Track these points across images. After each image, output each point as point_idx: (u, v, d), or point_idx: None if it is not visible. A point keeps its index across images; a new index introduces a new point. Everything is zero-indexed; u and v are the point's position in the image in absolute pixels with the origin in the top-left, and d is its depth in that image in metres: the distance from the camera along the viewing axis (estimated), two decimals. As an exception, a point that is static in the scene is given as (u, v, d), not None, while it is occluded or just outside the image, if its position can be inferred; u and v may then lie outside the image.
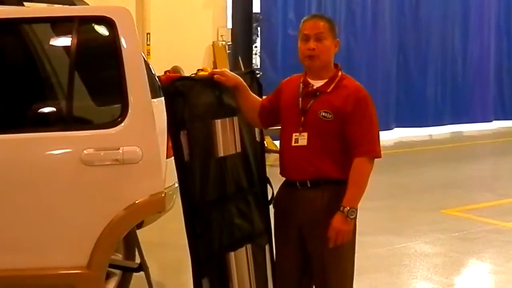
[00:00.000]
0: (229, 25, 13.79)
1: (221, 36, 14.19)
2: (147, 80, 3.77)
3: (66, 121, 3.79)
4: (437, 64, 16.10)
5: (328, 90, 3.60)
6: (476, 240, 6.92)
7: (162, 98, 3.62)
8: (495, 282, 5.90)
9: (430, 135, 15.74)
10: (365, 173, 3.54)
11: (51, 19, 3.97)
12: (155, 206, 3.82)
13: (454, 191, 9.38)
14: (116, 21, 3.75)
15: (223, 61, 13.58)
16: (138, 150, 3.68)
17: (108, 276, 4.59)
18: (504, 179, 10.37)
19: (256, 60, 13.95)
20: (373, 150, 3.57)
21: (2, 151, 3.69)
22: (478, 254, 6.49)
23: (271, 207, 3.94)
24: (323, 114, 3.55)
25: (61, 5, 4.39)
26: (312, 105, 3.58)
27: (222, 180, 3.72)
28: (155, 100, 4.07)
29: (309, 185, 3.59)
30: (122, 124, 3.69)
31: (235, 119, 3.82)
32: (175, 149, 3.51)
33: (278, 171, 3.71)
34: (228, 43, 13.83)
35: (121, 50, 3.72)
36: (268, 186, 4.02)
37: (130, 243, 4.62)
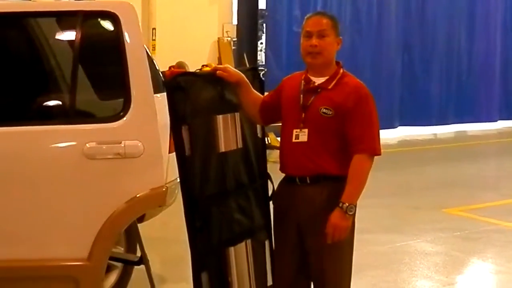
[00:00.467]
0: (235, 21, 13.82)
1: (227, 32, 14.24)
2: (149, 75, 3.80)
3: (69, 114, 3.83)
4: (442, 63, 16.11)
5: (329, 87, 3.62)
6: (477, 239, 6.93)
7: (165, 93, 3.64)
8: (496, 281, 5.91)
9: (435, 134, 15.75)
10: (365, 170, 3.56)
11: (55, 13, 4.01)
12: (156, 200, 3.86)
13: (457, 190, 9.39)
14: (119, 16, 3.78)
15: (228, 57, 13.63)
16: (139, 144, 3.72)
17: (110, 269, 4.64)
18: (508, 179, 10.35)
19: (261, 57, 13.95)
20: (372, 148, 3.59)
21: (6, 144, 3.72)
22: (479, 253, 6.50)
23: (271, 202, 3.96)
24: (324, 110, 3.57)
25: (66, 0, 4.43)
26: (313, 101, 3.60)
27: (223, 175, 3.74)
28: (158, 95, 4.10)
29: (308, 181, 3.61)
30: (124, 118, 3.73)
31: (237, 115, 3.84)
32: (176, 143, 3.54)
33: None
34: (233, 39, 13.87)
35: (124, 45, 3.76)
36: (269, 182, 4.03)
37: (132, 237, 4.65)
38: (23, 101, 3.98)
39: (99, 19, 3.99)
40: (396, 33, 15.22)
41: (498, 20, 16.99)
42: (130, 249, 4.78)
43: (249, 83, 3.78)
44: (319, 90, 3.62)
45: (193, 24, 13.61)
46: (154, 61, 4.85)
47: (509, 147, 14.17)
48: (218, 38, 14.24)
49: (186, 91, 3.57)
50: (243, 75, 3.76)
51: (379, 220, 7.51)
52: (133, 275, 4.88)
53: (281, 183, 3.79)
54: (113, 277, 4.73)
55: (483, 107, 16.83)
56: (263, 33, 14.08)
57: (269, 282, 4.02)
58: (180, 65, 10.59)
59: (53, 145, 3.76)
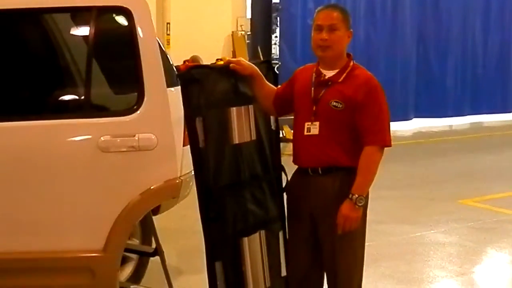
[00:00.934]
0: (249, 15, 13.85)
1: (241, 26, 14.28)
2: (162, 69, 3.85)
3: (83, 108, 3.89)
4: (457, 54, 16.02)
5: (340, 80, 3.65)
6: (491, 230, 6.93)
7: (179, 87, 3.69)
8: (510, 271, 5.93)
9: (450, 126, 15.69)
10: (375, 161, 3.60)
11: (70, 9, 4.05)
12: (169, 192, 3.92)
13: (472, 181, 9.37)
14: (132, 10, 3.82)
15: (242, 51, 13.66)
16: (153, 137, 3.77)
17: (125, 260, 4.70)
18: (523, 170, 10.32)
19: (276, 50, 13.96)
20: (383, 139, 3.61)
21: (22, 138, 3.79)
22: (493, 244, 6.51)
23: (285, 194, 4.00)
24: (334, 104, 3.60)
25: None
26: (324, 94, 3.64)
27: (237, 166, 3.78)
28: (172, 88, 4.15)
29: (320, 172, 3.66)
30: (138, 111, 3.78)
31: (251, 107, 3.87)
32: (191, 135, 3.58)
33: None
34: (248, 33, 13.90)
35: (137, 39, 3.81)
36: (283, 174, 4.07)
37: (147, 229, 4.71)
38: (39, 96, 4.04)
39: (112, 14, 4.04)
40: (411, 25, 15.16)
41: (513, 11, 16.89)
42: (146, 241, 4.84)
43: (263, 76, 3.82)
44: (329, 83, 3.65)
45: (207, 18, 13.65)
46: (168, 55, 4.90)
47: (524, 139, 14.11)
48: (232, 32, 14.28)
49: (200, 83, 3.61)
50: (256, 68, 3.79)
51: (394, 211, 7.54)
52: (149, 267, 4.94)
53: (294, 175, 3.83)
54: (129, 269, 4.81)
55: (499, 98, 16.73)
56: (277, 26, 14.08)
57: (283, 273, 4.06)
58: (194, 59, 10.60)
59: (68, 139, 3.81)
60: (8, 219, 3.77)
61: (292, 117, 3.82)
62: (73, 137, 3.82)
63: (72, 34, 4.20)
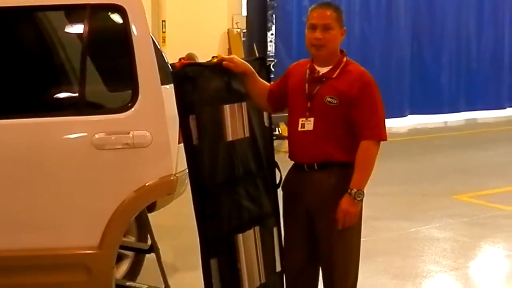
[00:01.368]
0: (244, 13, 13.85)
1: (236, 23, 14.26)
2: (157, 66, 3.87)
3: (78, 106, 3.90)
4: (452, 50, 16.04)
5: (334, 76, 3.68)
6: (486, 225, 6.97)
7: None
8: (503, 266, 5.97)
9: (445, 122, 15.73)
10: (372, 155, 3.62)
11: (64, 6, 4.07)
12: (164, 189, 3.94)
13: (467, 177, 9.41)
14: (127, 8, 3.84)
15: (238, 49, 13.65)
16: (148, 134, 3.79)
17: (121, 258, 4.72)
18: (517, 166, 10.36)
19: (271, 47, 13.97)
20: (378, 133, 3.65)
21: (17, 135, 3.80)
22: (486, 239, 6.55)
23: (279, 190, 4.03)
24: (329, 99, 3.63)
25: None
26: (318, 90, 3.66)
27: (231, 163, 3.80)
28: (167, 86, 4.17)
29: (316, 167, 3.68)
30: (133, 109, 3.80)
31: (244, 104, 3.89)
32: (184, 132, 3.59)
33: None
34: (243, 31, 13.88)
35: (131, 37, 3.83)
36: (277, 170, 4.09)
37: (143, 226, 4.72)
38: (33, 93, 4.05)
39: (107, 12, 4.06)
40: (405, 21, 15.18)
41: (506, 8, 16.91)
42: (141, 238, 4.86)
43: (255, 73, 3.84)
44: (323, 79, 3.68)
45: (203, 15, 13.65)
46: (163, 53, 4.91)
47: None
48: (228, 29, 14.26)
49: (194, 81, 3.61)
50: (249, 65, 3.81)
51: (390, 207, 7.58)
52: (144, 264, 4.96)
53: (290, 171, 3.86)
54: (124, 266, 4.83)
55: (493, 95, 16.77)
56: (273, 24, 14.07)
57: (277, 268, 4.08)
58: (190, 56, 10.60)
59: (63, 136, 3.83)
60: (2, 216, 3.78)
61: (287, 114, 3.84)
62: (67, 134, 3.84)
63: (67, 32, 4.22)
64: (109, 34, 4.10)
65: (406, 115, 15.34)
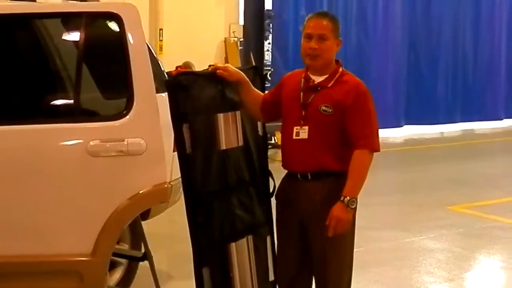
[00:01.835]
0: (241, 22, 13.87)
1: (233, 32, 14.31)
2: (152, 74, 3.88)
3: (73, 113, 3.92)
4: (448, 61, 16.10)
5: (329, 85, 3.69)
6: (480, 236, 6.97)
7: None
8: (498, 277, 5.97)
9: (442, 133, 15.75)
10: (365, 164, 3.63)
11: (60, 14, 4.10)
12: (158, 196, 3.95)
13: (462, 188, 9.41)
14: (123, 17, 3.87)
15: (234, 57, 13.69)
16: (142, 142, 3.80)
17: (115, 265, 4.72)
18: (513, 177, 10.38)
19: (268, 57, 14.01)
20: (372, 143, 3.65)
21: (12, 142, 3.81)
22: (481, 250, 6.55)
23: (272, 199, 4.03)
24: (324, 108, 3.64)
25: (71, 1, 4.50)
26: (313, 99, 3.67)
27: (224, 172, 3.80)
28: (162, 94, 4.18)
29: (309, 177, 3.69)
30: (127, 116, 3.81)
31: (238, 113, 3.89)
32: (177, 141, 3.59)
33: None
34: (240, 40, 13.92)
35: (127, 45, 3.84)
36: (270, 179, 4.10)
37: (136, 234, 4.72)
38: (29, 100, 4.06)
39: (103, 20, 4.07)
40: (402, 32, 15.23)
41: (503, 18, 16.99)
42: (135, 246, 4.85)
43: (249, 82, 3.84)
44: (319, 88, 3.69)
45: (200, 24, 13.68)
46: (159, 61, 4.93)
47: (515, 146, 14.19)
48: (225, 38, 14.31)
49: (187, 89, 3.62)
50: (243, 74, 3.81)
51: (384, 217, 7.58)
52: (138, 272, 4.95)
53: (284, 179, 3.86)
54: (118, 274, 4.81)
55: (490, 106, 16.81)
56: (270, 33, 14.12)
57: (271, 277, 4.08)
58: (186, 65, 10.65)
59: (57, 143, 3.84)
60: (-4, 223, 3.79)
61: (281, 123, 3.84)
62: (62, 141, 3.85)
63: (63, 40, 4.24)
64: (105, 42, 4.12)
65: (402, 125, 15.37)
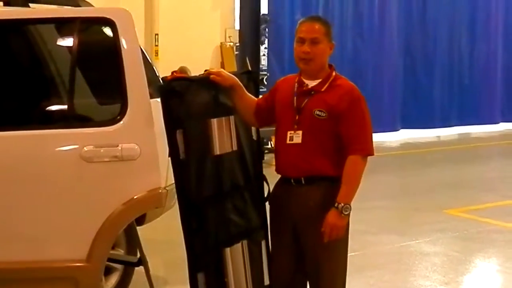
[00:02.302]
0: (237, 27, 13.89)
1: (229, 37, 14.31)
2: (146, 79, 3.89)
3: (67, 118, 3.92)
4: (444, 65, 16.11)
5: (323, 90, 3.69)
6: (476, 240, 6.98)
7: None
8: (493, 281, 5.97)
9: (438, 137, 15.76)
10: (359, 170, 3.63)
11: (54, 20, 4.10)
12: (153, 201, 3.95)
13: (458, 191, 9.42)
14: (116, 22, 3.87)
15: (230, 62, 13.69)
16: (136, 147, 3.80)
17: (110, 271, 4.71)
18: (510, 181, 10.30)
19: (264, 61, 14.02)
20: (366, 148, 3.65)
21: (6, 147, 3.81)
22: (477, 253, 6.55)
23: (267, 203, 4.03)
24: (318, 112, 3.64)
25: (65, 6, 4.51)
26: (307, 103, 3.67)
27: (218, 177, 3.79)
28: (157, 99, 4.17)
29: (303, 182, 3.69)
30: (121, 122, 3.81)
31: (232, 118, 3.88)
32: (171, 147, 3.59)
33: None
34: (236, 44, 13.93)
35: (121, 51, 3.85)
36: (264, 183, 4.10)
37: (132, 239, 4.72)
38: (23, 106, 4.06)
39: (96, 26, 4.08)
40: (398, 36, 15.26)
41: (499, 22, 17.00)
42: (131, 251, 4.85)
43: (243, 87, 3.84)
44: (312, 92, 3.69)
45: (196, 29, 13.68)
46: (154, 67, 4.92)
47: (511, 149, 14.18)
48: (221, 43, 14.31)
49: (181, 95, 3.61)
50: (236, 79, 3.80)
51: (380, 221, 7.57)
52: (134, 278, 4.94)
53: (277, 184, 3.86)
54: (113, 279, 4.80)
55: (486, 109, 16.83)
56: (266, 37, 14.14)
57: (266, 282, 4.07)
58: (182, 70, 10.63)
59: (51, 149, 3.84)
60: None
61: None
62: (56, 147, 3.85)
63: (57, 45, 4.24)
64: (99, 48, 4.13)
65: (399, 129, 15.38)
